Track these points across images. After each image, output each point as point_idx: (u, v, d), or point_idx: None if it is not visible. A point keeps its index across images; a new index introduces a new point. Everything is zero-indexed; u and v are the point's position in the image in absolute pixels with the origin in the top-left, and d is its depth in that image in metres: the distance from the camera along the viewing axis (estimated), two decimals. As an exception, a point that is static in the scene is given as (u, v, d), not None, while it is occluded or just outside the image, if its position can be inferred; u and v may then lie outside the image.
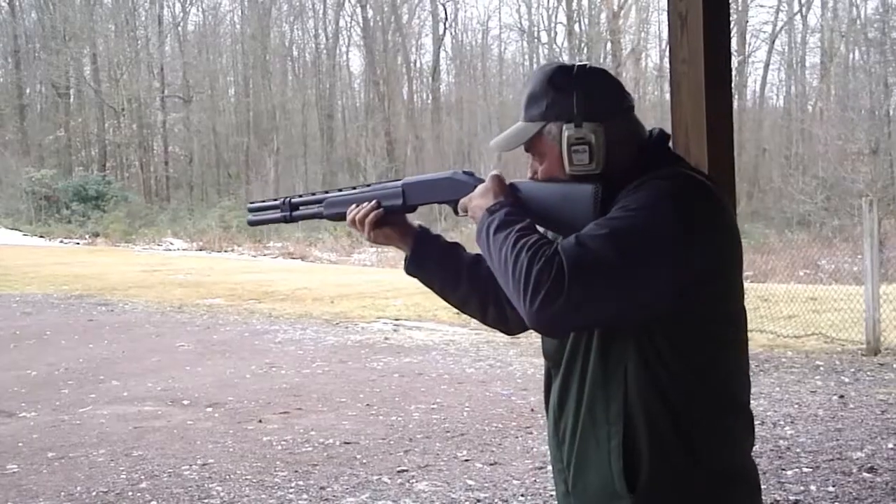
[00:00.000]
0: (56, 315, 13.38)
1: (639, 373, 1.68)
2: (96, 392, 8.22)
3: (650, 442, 1.68)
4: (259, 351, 10.36)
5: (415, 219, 2.10)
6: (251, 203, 2.25)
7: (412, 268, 2.08)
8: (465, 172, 1.96)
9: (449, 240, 2.11)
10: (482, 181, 1.87)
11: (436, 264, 2.07)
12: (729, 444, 1.74)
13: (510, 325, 2.06)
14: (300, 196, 2.17)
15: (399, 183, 2.03)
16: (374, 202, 2.03)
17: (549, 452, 1.92)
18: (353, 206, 2.05)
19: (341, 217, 2.08)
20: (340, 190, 2.12)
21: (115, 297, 15.29)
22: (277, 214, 2.17)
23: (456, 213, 1.93)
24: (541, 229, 1.75)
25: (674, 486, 1.69)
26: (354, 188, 2.10)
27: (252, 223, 2.26)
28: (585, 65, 1.80)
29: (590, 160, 1.72)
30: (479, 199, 1.82)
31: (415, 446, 6.37)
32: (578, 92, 1.74)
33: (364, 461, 6.02)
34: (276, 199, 2.18)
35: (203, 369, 9.28)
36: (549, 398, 1.92)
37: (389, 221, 2.03)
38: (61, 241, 30.45)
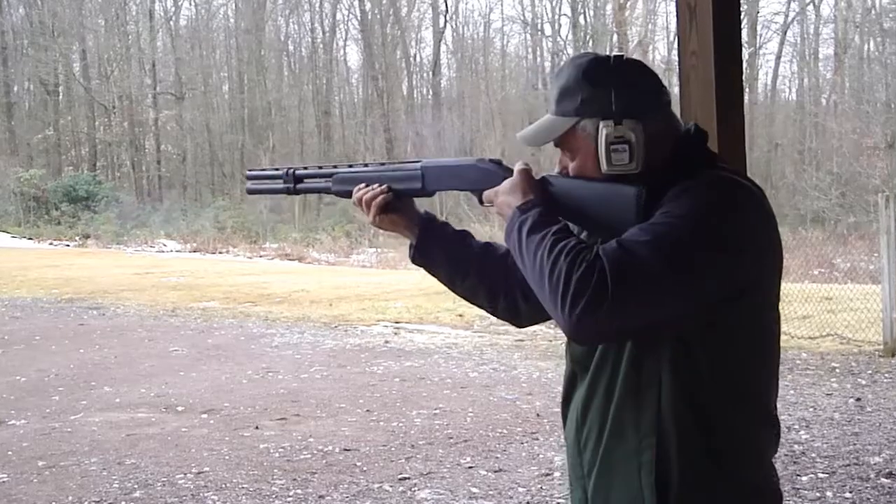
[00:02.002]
0: (46, 319, 13.39)
1: (673, 383, 1.67)
2: (88, 399, 8.23)
3: (681, 455, 1.67)
4: (255, 355, 10.36)
5: (421, 205, 2.08)
6: (250, 170, 2.20)
7: (418, 256, 2.06)
8: (490, 160, 1.91)
9: (456, 227, 2.09)
10: (510, 171, 1.84)
11: (443, 253, 2.04)
12: (758, 456, 1.74)
13: (521, 317, 2.04)
14: (305, 168, 2.12)
15: (418, 164, 1.98)
16: (384, 185, 1.99)
17: (564, 459, 1.91)
18: (363, 185, 2.02)
19: (350, 195, 2.04)
20: (351, 166, 2.07)
21: (106, 301, 15.30)
22: (279, 185, 2.12)
23: (481, 202, 1.89)
24: (573, 228, 1.73)
25: (705, 500, 1.69)
26: (367, 165, 2.06)
27: (251, 191, 2.20)
28: (622, 56, 1.77)
29: (630, 159, 1.69)
30: (506, 196, 1.78)
31: (417, 453, 6.37)
32: (616, 87, 1.71)
33: (364, 469, 6.02)
34: (277, 169, 2.13)
35: (198, 374, 9.28)
36: (569, 403, 1.90)
37: (397, 206, 2.00)
38: (51, 243, 30.45)
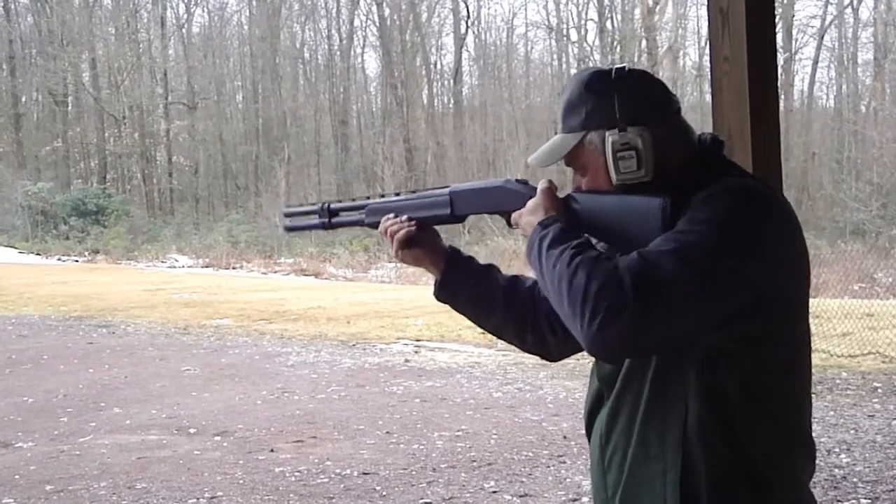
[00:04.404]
0: (54, 338, 13.48)
1: (700, 401, 1.66)
2: (97, 420, 8.27)
3: (709, 476, 1.67)
4: (270, 375, 10.38)
5: (442, 233, 2.10)
6: (287, 207, 2.26)
7: (443, 293, 2.07)
8: (517, 181, 1.93)
9: (482, 262, 2.09)
10: (533, 187, 1.86)
11: (468, 289, 2.06)
12: (791, 478, 1.73)
13: (551, 351, 2.05)
14: (339, 202, 2.18)
15: (447, 190, 2.01)
16: (404, 217, 2.02)
17: (590, 481, 1.91)
18: (391, 215, 2.04)
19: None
20: (383, 196, 2.11)
21: (116, 319, 15.39)
22: (315, 221, 2.18)
23: (510, 225, 1.91)
24: (598, 244, 1.73)
25: None
26: (398, 194, 2.09)
27: (289, 229, 2.26)
28: (624, 66, 1.78)
29: (638, 166, 1.70)
30: (529, 216, 1.80)
31: (438, 477, 6.35)
32: (620, 94, 1.73)
33: (384, 493, 6.01)
34: (313, 205, 2.18)
35: (210, 395, 9.31)
36: (593, 422, 1.90)
37: (421, 240, 2.02)
38: (59, 259, 30.72)
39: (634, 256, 1.57)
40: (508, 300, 2.03)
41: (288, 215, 2.26)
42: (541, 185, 1.81)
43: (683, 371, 1.67)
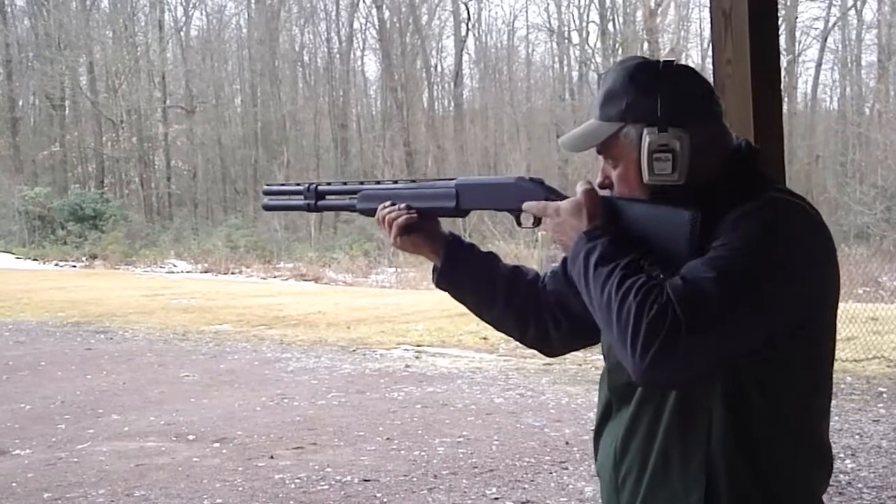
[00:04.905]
0: (51, 344, 13.47)
1: (725, 421, 1.65)
2: (95, 427, 8.26)
3: (731, 497, 1.66)
4: (270, 381, 10.38)
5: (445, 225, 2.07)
6: (268, 185, 2.19)
7: (443, 282, 2.04)
8: (532, 179, 1.90)
9: (483, 249, 2.07)
10: (554, 191, 1.84)
11: (469, 277, 2.03)
12: (810, 495, 1.73)
13: (552, 345, 2.04)
14: (328, 184, 2.11)
15: (453, 183, 1.97)
16: (404, 206, 1.98)
17: (595, 489, 1.90)
18: (388, 203, 2.00)
19: (375, 213, 2.03)
20: (378, 182, 2.06)
21: (114, 324, 15.38)
22: (300, 201, 2.11)
23: (519, 223, 1.89)
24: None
25: None
26: (396, 182, 2.05)
27: (267, 207, 2.20)
28: (672, 62, 1.76)
29: (672, 170, 1.67)
30: (570, 218, 1.74)
31: (440, 483, 6.35)
32: (663, 91, 1.69)
33: (385, 500, 6.01)
34: (298, 184, 2.12)
35: (210, 401, 9.31)
36: (600, 436, 1.88)
37: (421, 227, 1.99)
38: (56, 264, 30.70)
39: (681, 284, 1.55)
40: (510, 290, 2.01)
41: (268, 193, 2.19)
42: (582, 187, 1.75)
43: (710, 389, 1.64)
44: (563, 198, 1.82)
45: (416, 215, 1.97)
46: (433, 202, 1.97)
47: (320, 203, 2.10)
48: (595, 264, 1.63)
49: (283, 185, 2.18)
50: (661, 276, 1.58)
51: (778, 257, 1.59)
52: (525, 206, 1.82)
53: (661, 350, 1.51)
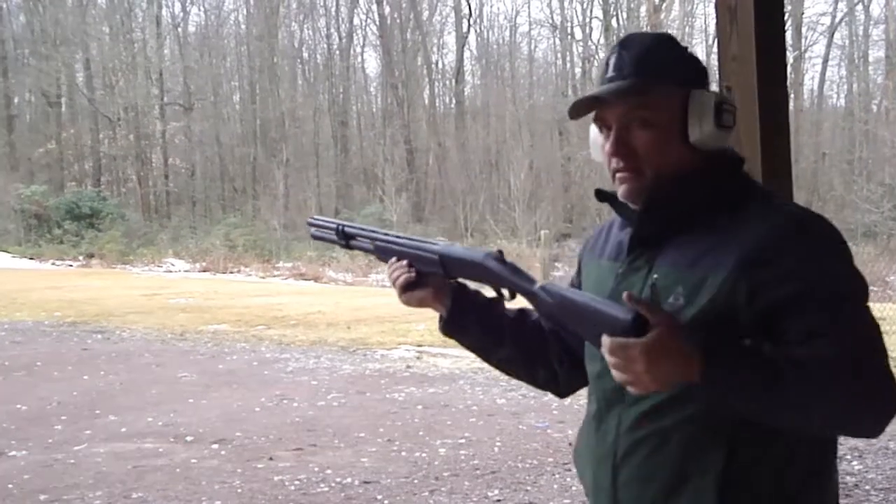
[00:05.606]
0: (48, 344, 13.47)
1: (747, 437, 1.61)
2: (92, 428, 8.27)
3: None
4: (269, 382, 10.38)
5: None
6: (312, 218, 2.29)
7: (449, 329, 2.04)
8: (496, 258, 1.86)
9: (488, 295, 2.03)
10: (518, 271, 1.81)
11: (477, 324, 2.02)
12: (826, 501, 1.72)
13: (560, 386, 2.04)
14: (352, 226, 2.19)
15: (437, 249, 1.97)
16: (405, 263, 2.00)
17: None
18: (394, 259, 2.03)
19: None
20: (387, 234, 2.11)
21: (111, 324, 15.39)
22: (334, 237, 2.21)
23: (499, 295, 1.90)
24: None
25: None
26: (399, 236, 2.08)
27: (314, 237, 2.29)
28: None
29: (718, 126, 1.70)
30: (670, 367, 1.46)
31: (441, 485, 6.35)
32: (697, 61, 1.77)
33: (385, 502, 6.01)
34: (332, 222, 2.22)
35: (208, 402, 9.31)
36: (589, 448, 1.85)
37: (424, 283, 1.99)
38: (53, 263, 30.71)
39: (837, 350, 1.52)
40: (516, 333, 2.00)
41: (311, 225, 2.28)
42: (659, 335, 1.45)
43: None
44: (528, 278, 1.78)
45: (413, 276, 1.99)
46: (427, 266, 1.99)
47: (352, 243, 2.18)
48: (763, 392, 1.49)
49: (325, 219, 2.27)
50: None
51: (858, 275, 1.65)
52: (604, 342, 1.50)
53: (887, 409, 1.53)
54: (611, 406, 1.76)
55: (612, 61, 1.72)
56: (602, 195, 1.83)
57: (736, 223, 1.63)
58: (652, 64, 1.70)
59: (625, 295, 1.47)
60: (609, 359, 1.47)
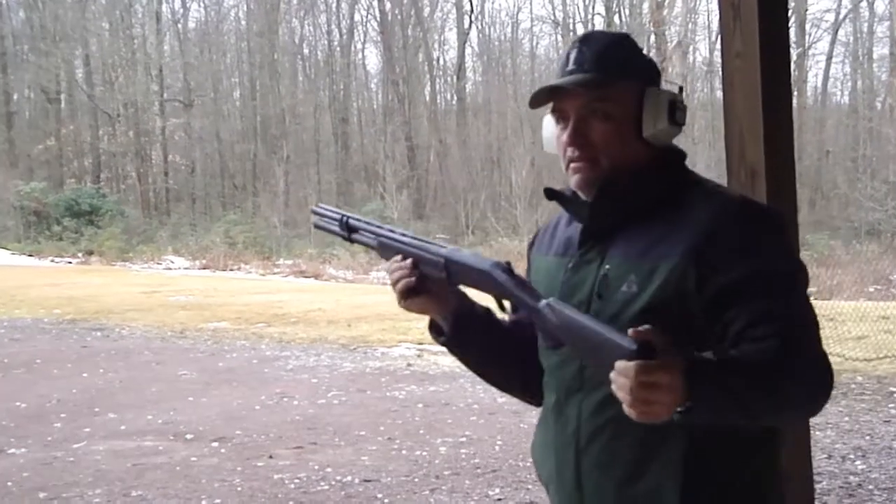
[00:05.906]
0: (47, 341, 13.48)
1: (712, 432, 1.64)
2: (91, 426, 8.27)
3: (712, 486, 1.67)
4: (269, 379, 10.39)
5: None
6: (318, 206, 2.25)
7: (451, 345, 2.01)
8: (504, 269, 1.79)
9: (485, 306, 1.99)
10: (523, 283, 1.77)
11: (478, 338, 1.98)
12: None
13: (536, 397, 1.99)
14: (358, 219, 2.14)
15: (443, 252, 1.90)
16: (409, 263, 1.92)
17: None
18: (398, 257, 1.94)
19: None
20: (392, 230, 2.05)
21: (111, 322, 15.40)
22: (336, 228, 2.17)
23: (501, 308, 1.88)
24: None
25: None
26: (404, 234, 2.00)
27: (316, 226, 2.25)
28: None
29: (669, 123, 1.75)
30: (668, 397, 1.43)
31: (441, 484, 6.36)
32: (650, 60, 1.84)
33: (386, 501, 6.02)
34: (336, 212, 2.17)
35: (208, 400, 9.32)
36: (550, 437, 1.85)
37: (427, 289, 1.92)
38: (52, 260, 30.72)
39: (778, 342, 1.57)
40: (514, 346, 1.98)
41: (316, 213, 2.24)
42: (671, 366, 1.42)
43: None
44: (534, 293, 1.74)
45: (414, 281, 1.91)
46: (431, 268, 1.92)
47: (353, 236, 2.13)
48: (737, 405, 1.51)
49: (329, 208, 2.22)
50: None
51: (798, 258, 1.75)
52: (616, 365, 1.46)
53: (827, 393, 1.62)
54: (570, 395, 1.79)
55: (572, 56, 1.77)
56: (551, 193, 1.87)
57: (681, 212, 1.69)
58: (611, 60, 1.75)
59: (630, 331, 1.43)
60: (627, 383, 1.42)
